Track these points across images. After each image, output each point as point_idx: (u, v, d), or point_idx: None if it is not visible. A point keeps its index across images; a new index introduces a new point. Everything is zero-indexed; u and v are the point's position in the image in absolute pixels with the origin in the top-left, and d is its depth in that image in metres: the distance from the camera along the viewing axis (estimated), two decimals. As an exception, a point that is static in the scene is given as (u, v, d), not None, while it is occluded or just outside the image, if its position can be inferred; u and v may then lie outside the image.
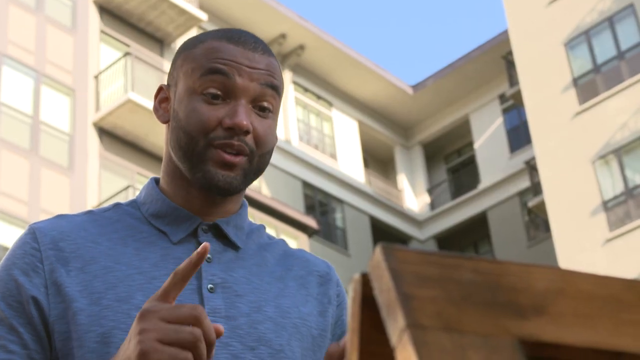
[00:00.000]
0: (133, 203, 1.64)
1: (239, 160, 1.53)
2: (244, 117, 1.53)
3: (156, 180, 1.65)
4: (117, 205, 1.63)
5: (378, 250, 0.72)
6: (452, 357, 0.67)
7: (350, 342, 0.76)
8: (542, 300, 0.73)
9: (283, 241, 1.69)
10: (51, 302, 1.48)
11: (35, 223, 1.56)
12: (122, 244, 1.55)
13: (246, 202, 1.66)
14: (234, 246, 1.59)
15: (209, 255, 1.55)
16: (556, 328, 0.72)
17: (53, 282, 1.49)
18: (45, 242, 1.52)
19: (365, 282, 0.74)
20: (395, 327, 0.69)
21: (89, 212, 1.61)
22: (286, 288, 1.59)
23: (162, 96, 1.63)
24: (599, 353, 0.72)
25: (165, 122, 1.62)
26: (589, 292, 0.75)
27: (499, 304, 0.71)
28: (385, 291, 0.70)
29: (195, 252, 1.31)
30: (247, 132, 1.53)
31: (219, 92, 1.55)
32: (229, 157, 1.53)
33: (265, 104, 1.56)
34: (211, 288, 1.52)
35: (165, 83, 1.66)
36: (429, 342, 0.67)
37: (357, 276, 0.75)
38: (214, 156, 1.53)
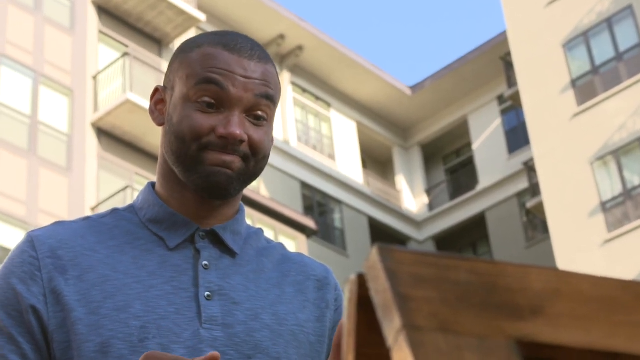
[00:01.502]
0: (130, 208, 1.63)
1: (236, 160, 1.53)
2: (237, 127, 1.52)
3: (153, 185, 1.65)
4: (115, 210, 1.63)
5: (374, 250, 0.72)
6: (448, 358, 0.67)
7: (346, 343, 0.76)
8: (538, 301, 0.73)
9: (281, 245, 1.69)
10: (50, 311, 1.48)
11: (33, 231, 1.56)
12: (120, 252, 1.54)
13: (243, 207, 1.66)
14: (231, 252, 1.58)
15: (205, 262, 1.55)
16: (553, 329, 0.72)
17: (52, 290, 1.49)
18: (43, 250, 1.52)
19: (362, 283, 0.74)
20: (392, 328, 0.69)
21: (87, 218, 1.61)
22: (283, 294, 1.59)
23: (158, 98, 1.63)
24: (595, 354, 0.72)
25: (160, 124, 1.61)
26: (585, 293, 0.75)
27: (495, 305, 0.71)
28: (381, 292, 0.70)
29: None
30: (241, 142, 1.53)
31: (212, 101, 1.54)
32: (225, 156, 1.52)
33: (260, 113, 1.56)
34: (208, 296, 1.52)
35: (162, 84, 1.65)
36: (425, 343, 0.67)
37: (353, 277, 0.75)
38: (209, 157, 1.53)
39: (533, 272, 0.74)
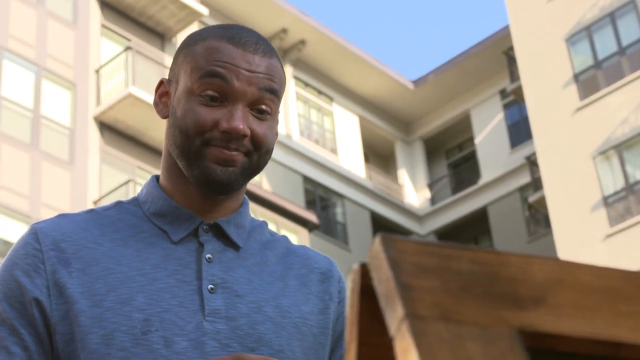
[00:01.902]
0: (134, 201, 1.64)
1: (239, 156, 1.53)
2: (240, 121, 1.52)
3: (157, 178, 1.65)
4: (119, 203, 1.63)
5: (377, 240, 0.72)
6: (450, 347, 0.67)
7: (349, 332, 0.76)
8: (541, 291, 0.73)
9: (285, 238, 1.69)
10: (53, 303, 1.49)
11: (37, 223, 1.56)
12: (123, 245, 1.55)
13: (247, 200, 1.66)
14: (234, 245, 1.59)
15: (209, 255, 1.56)
16: (555, 319, 0.72)
17: (55, 283, 1.49)
18: (46, 243, 1.52)
19: (364, 273, 0.74)
20: (394, 317, 0.69)
21: (91, 211, 1.61)
22: (287, 287, 1.59)
23: (163, 90, 1.63)
24: (598, 344, 0.72)
25: (164, 117, 1.62)
26: (588, 283, 0.75)
27: (498, 295, 0.71)
28: (384, 281, 0.70)
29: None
30: (244, 136, 1.53)
31: (216, 95, 1.54)
32: (228, 153, 1.52)
33: (264, 107, 1.55)
34: (212, 288, 1.52)
35: (167, 77, 1.65)
36: (427, 332, 0.67)
37: (356, 266, 0.75)
38: (212, 152, 1.53)
39: (535, 262, 0.74)
